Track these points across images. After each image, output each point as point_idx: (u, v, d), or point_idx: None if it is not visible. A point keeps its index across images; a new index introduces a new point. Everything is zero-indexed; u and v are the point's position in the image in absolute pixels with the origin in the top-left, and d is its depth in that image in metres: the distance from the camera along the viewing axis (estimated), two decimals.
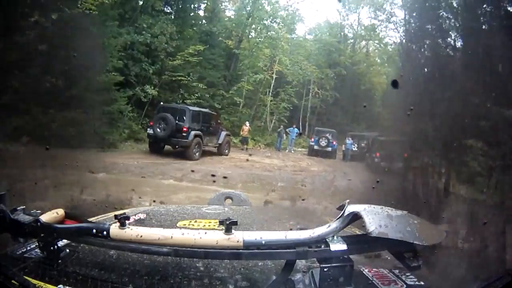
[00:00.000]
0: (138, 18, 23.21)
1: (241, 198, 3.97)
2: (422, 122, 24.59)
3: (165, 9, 26.19)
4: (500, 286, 1.26)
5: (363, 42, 38.24)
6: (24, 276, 1.39)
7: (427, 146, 24.30)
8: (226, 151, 20.77)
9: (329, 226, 1.38)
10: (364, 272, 1.60)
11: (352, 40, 38.06)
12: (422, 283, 1.54)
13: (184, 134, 17.52)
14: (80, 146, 14.14)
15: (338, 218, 1.41)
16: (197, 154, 18.08)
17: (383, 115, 37.91)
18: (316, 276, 1.41)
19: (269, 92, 29.51)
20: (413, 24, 31.53)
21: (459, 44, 27.73)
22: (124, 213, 1.51)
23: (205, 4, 29.99)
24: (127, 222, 1.44)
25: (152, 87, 22.21)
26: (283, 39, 29.94)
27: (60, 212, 1.66)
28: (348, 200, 1.47)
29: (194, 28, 27.70)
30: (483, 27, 21.71)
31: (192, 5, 28.69)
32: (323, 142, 24.40)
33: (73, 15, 16.23)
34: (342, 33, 37.21)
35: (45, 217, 1.56)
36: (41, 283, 1.41)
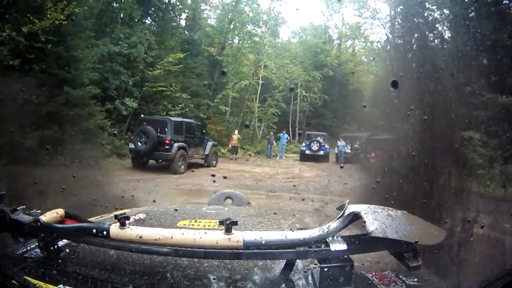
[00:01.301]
0: (115, 29, 22.39)
1: (241, 198, 3.85)
2: (418, 118, 23.96)
3: (145, 20, 25.68)
4: (500, 286, 1.22)
5: (349, 42, 38.36)
6: (24, 276, 1.37)
7: (425, 143, 23.67)
8: (214, 162, 19.75)
9: (329, 226, 1.37)
10: (364, 272, 1.56)
11: (337, 41, 38.11)
12: (422, 283, 1.51)
13: (167, 146, 16.48)
14: (58, 165, 13.52)
15: (338, 218, 1.39)
16: (182, 167, 16.97)
17: (374, 114, 37.97)
18: (316, 276, 1.39)
19: (256, 98, 29.01)
20: (399, 19, 31.30)
21: (448, 35, 27.32)
22: (124, 213, 1.48)
23: (186, 13, 29.57)
24: (127, 222, 1.42)
25: (132, 100, 21.23)
26: (267, 43, 29.70)
27: (60, 212, 1.66)
28: (348, 200, 1.46)
29: (175, 37, 26.99)
30: (472, 15, 21.29)
31: (172, 14, 28.06)
32: (314, 146, 23.77)
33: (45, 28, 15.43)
34: (327, 34, 37.21)
35: (45, 217, 1.55)
36: (41, 283, 1.39)
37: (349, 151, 24.03)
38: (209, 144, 19.35)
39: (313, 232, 1.37)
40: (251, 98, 28.95)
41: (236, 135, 23.10)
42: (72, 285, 1.41)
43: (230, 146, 23.45)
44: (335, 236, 1.37)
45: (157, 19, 26.53)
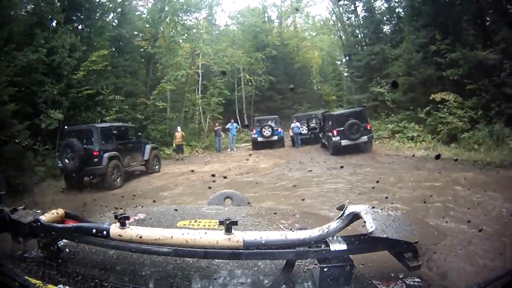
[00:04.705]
0: (35, 35, 19.94)
1: (241, 198, 3.53)
2: (378, 85, 22.66)
3: (75, 24, 23.61)
4: (500, 286, 1.22)
5: (290, 19, 37.80)
6: (24, 276, 1.39)
7: (391, 110, 22.50)
8: (156, 167, 17.74)
9: (329, 226, 1.36)
10: (363, 272, 1.51)
11: (277, 20, 37.28)
12: (422, 283, 1.48)
13: (96, 159, 14.38)
14: None
15: (338, 218, 1.38)
16: (118, 180, 14.90)
17: (325, 89, 37.51)
18: (316, 276, 1.39)
19: (197, 89, 27.41)
20: None
21: None
22: (124, 213, 1.46)
23: (116, 12, 27.40)
24: (127, 222, 1.41)
25: (58, 111, 18.89)
26: (202, 28, 28.49)
27: (60, 212, 1.66)
28: (348, 200, 1.46)
29: (103, 36, 24.56)
30: None
31: (100, 12, 25.92)
32: (266, 132, 22.35)
33: None
34: (265, 14, 36.41)
35: (45, 217, 1.56)
36: (41, 283, 1.39)
37: (306, 132, 22.95)
38: (148, 147, 17.33)
39: (313, 232, 1.35)
40: (192, 90, 27.37)
41: (179, 132, 21.24)
42: (72, 285, 1.40)
43: (174, 145, 21.66)
44: (335, 236, 1.35)
45: (84, 20, 24.43)
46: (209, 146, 24.57)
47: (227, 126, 23.94)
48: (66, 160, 14.51)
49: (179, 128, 21.76)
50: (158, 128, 23.88)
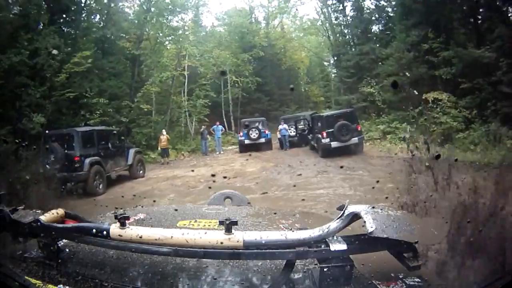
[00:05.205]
0: (19, 37, 19.44)
1: (241, 198, 3.57)
2: (368, 85, 22.34)
3: (61, 26, 23.13)
4: (500, 286, 1.24)
5: (277, 20, 37.49)
6: (24, 276, 1.41)
7: (382, 110, 22.17)
8: (141, 172, 17.24)
9: (329, 226, 1.38)
10: (363, 272, 1.53)
11: (264, 21, 36.99)
12: (422, 283, 1.50)
13: (77, 165, 13.94)
14: None
15: (338, 218, 1.40)
16: (100, 186, 14.46)
17: (313, 90, 37.31)
18: (316, 276, 1.40)
19: (183, 91, 26.96)
20: None
21: None
22: (124, 213, 1.48)
23: (103, 13, 26.73)
24: (127, 222, 1.43)
25: (41, 114, 18.39)
26: (188, 29, 28.14)
27: (60, 212, 1.69)
28: (348, 200, 1.46)
29: (88, 37, 24.09)
30: None
31: (86, 13, 25.41)
32: (253, 134, 21.98)
33: None
34: (252, 15, 36.09)
35: (45, 217, 1.58)
36: (41, 283, 1.41)
37: (294, 134, 22.78)
38: (131, 151, 16.85)
39: (313, 232, 1.36)
40: (178, 92, 26.94)
41: (164, 136, 20.77)
42: (72, 285, 1.41)
43: (159, 148, 21.16)
44: (335, 236, 1.36)
45: (69, 22, 23.88)
46: (195, 149, 24.19)
47: (211, 128, 23.51)
48: (47, 166, 14.07)
49: (164, 131, 21.32)
50: (143, 131, 23.40)
